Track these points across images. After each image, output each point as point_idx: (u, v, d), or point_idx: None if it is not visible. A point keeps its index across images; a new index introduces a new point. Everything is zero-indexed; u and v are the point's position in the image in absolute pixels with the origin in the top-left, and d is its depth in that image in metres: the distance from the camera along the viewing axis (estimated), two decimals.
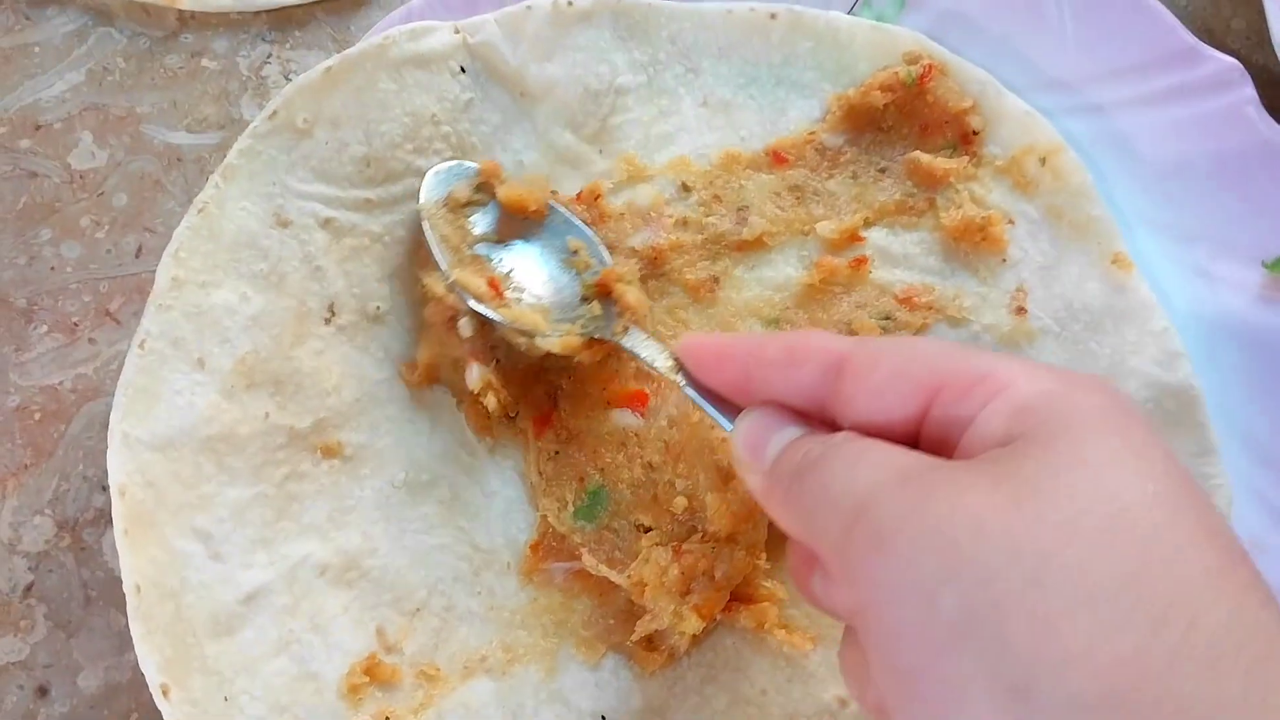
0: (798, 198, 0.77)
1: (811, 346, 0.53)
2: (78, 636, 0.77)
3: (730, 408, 0.58)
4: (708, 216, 0.77)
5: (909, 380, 0.49)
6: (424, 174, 0.74)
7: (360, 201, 0.74)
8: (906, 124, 0.78)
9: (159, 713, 0.66)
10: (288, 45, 0.86)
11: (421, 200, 0.73)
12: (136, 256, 0.82)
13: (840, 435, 0.50)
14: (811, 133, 0.78)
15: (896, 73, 0.77)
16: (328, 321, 0.73)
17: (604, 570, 0.68)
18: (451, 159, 0.74)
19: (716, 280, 0.76)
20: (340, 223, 0.74)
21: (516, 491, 0.75)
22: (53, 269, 0.82)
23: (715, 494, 0.67)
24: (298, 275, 0.73)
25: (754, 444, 0.53)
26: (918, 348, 0.51)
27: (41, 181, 0.83)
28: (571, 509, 0.71)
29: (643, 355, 0.66)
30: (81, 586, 0.77)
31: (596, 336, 0.70)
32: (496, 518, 0.75)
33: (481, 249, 0.73)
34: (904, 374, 0.49)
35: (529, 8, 0.77)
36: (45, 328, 0.81)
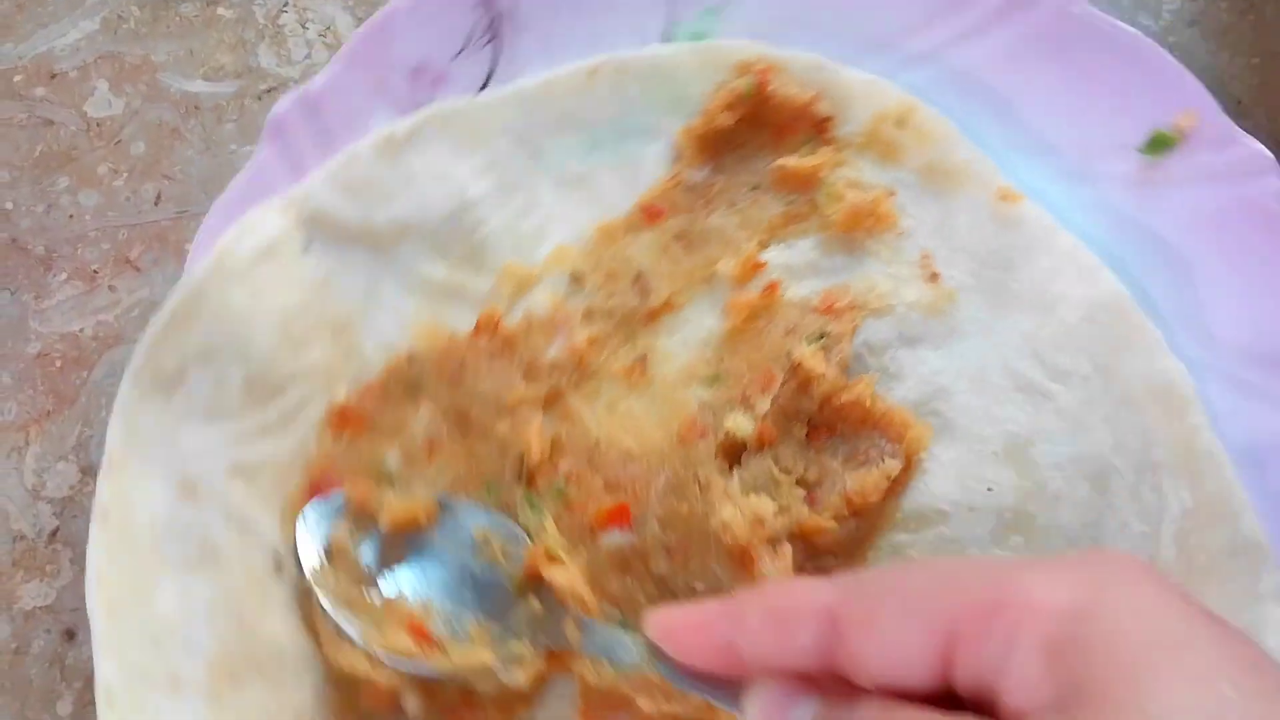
0: (686, 246, 0.75)
1: (795, 608, 0.46)
2: None
3: (727, 686, 0.50)
4: (610, 299, 0.74)
5: (915, 629, 0.42)
6: (307, 374, 0.69)
7: (259, 428, 0.69)
8: (760, 134, 0.77)
9: None
10: None
11: (305, 570, 0.66)
12: (155, 204, 0.82)
13: (864, 705, 0.44)
14: (673, 175, 0.76)
15: (734, 88, 0.75)
16: (279, 570, 0.68)
17: (667, 706, 0.66)
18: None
19: (644, 360, 0.74)
20: (248, 461, 0.68)
21: None
22: (71, 217, 0.82)
23: (741, 583, 0.65)
24: (229, 540, 0.67)
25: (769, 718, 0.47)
26: (912, 582, 0.44)
27: (58, 129, 0.83)
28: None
29: (616, 656, 0.60)
30: None
31: (553, 648, 0.64)
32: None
33: (381, 582, 0.66)
34: (908, 623, 0.43)
35: (353, 155, 0.72)
36: (65, 275, 0.81)
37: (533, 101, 0.75)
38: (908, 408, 0.71)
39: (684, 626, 0.50)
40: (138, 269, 0.82)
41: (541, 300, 0.74)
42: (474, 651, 0.63)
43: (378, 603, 0.65)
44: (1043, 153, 0.77)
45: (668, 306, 0.74)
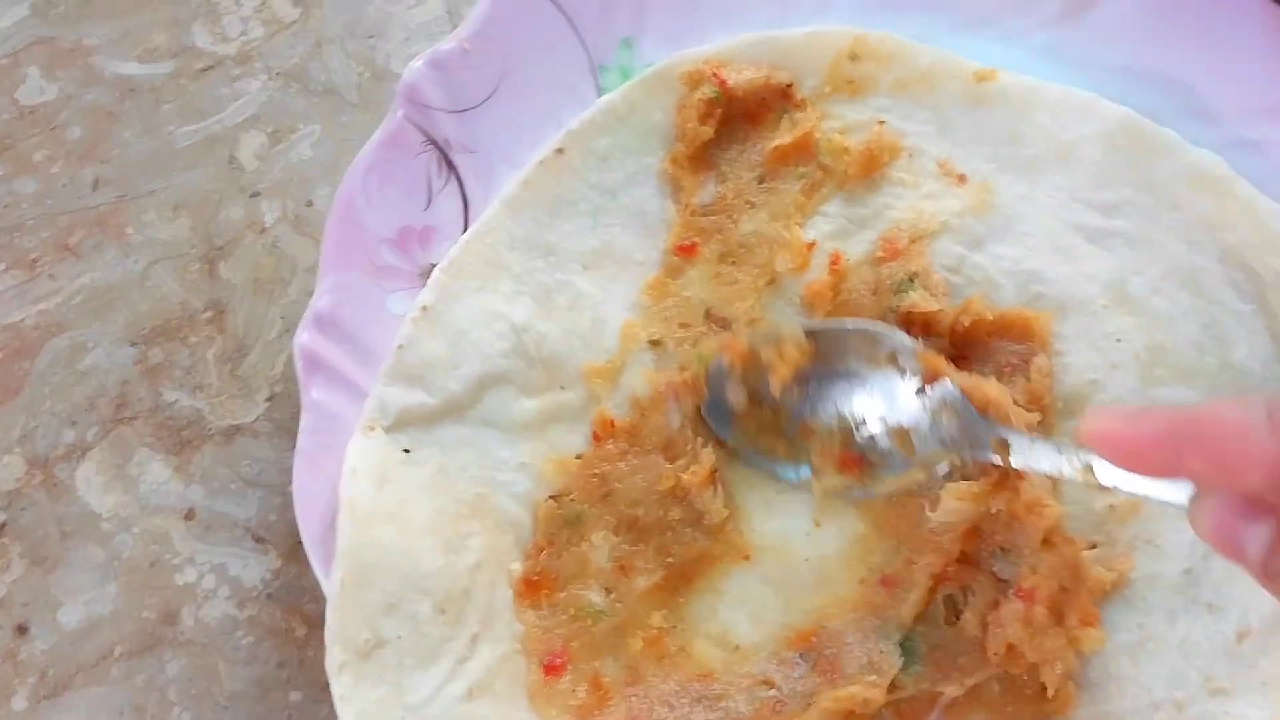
0: (735, 262, 0.74)
1: (1242, 455, 0.46)
2: (55, 573, 0.73)
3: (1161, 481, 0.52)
4: (696, 345, 0.73)
5: None
6: (479, 565, 0.68)
7: (470, 641, 0.67)
8: (737, 129, 0.76)
9: (143, 643, 0.69)
10: None
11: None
12: (94, 189, 0.79)
13: None
14: (684, 208, 0.75)
15: (700, 97, 0.74)
16: None
17: (970, 680, 0.67)
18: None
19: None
20: (478, 679, 0.66)
21: None
22: (7, 206, 0.79)
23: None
24: None
25: (1226, 537, 0.48)
26: None
27: None
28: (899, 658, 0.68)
29: (1044, 468, 0.60)
30: (56, 523, 0.74)
31: (984, 460, 0.63)
32: None
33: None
34: None
35: (399, 346, 0.70)
36: (3, 265, 0.78)
37: (519, 206, 0.73)
38: (1018, 305, 0.72)
39: (1128, 434, 0.50)
40: (78, 255, 0.78)
41: (637, 382, 0.72)
42: (907, 474, 0.66)
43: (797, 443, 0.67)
44: (982, 25, 0.77)
45: (753, 325, 0.73)
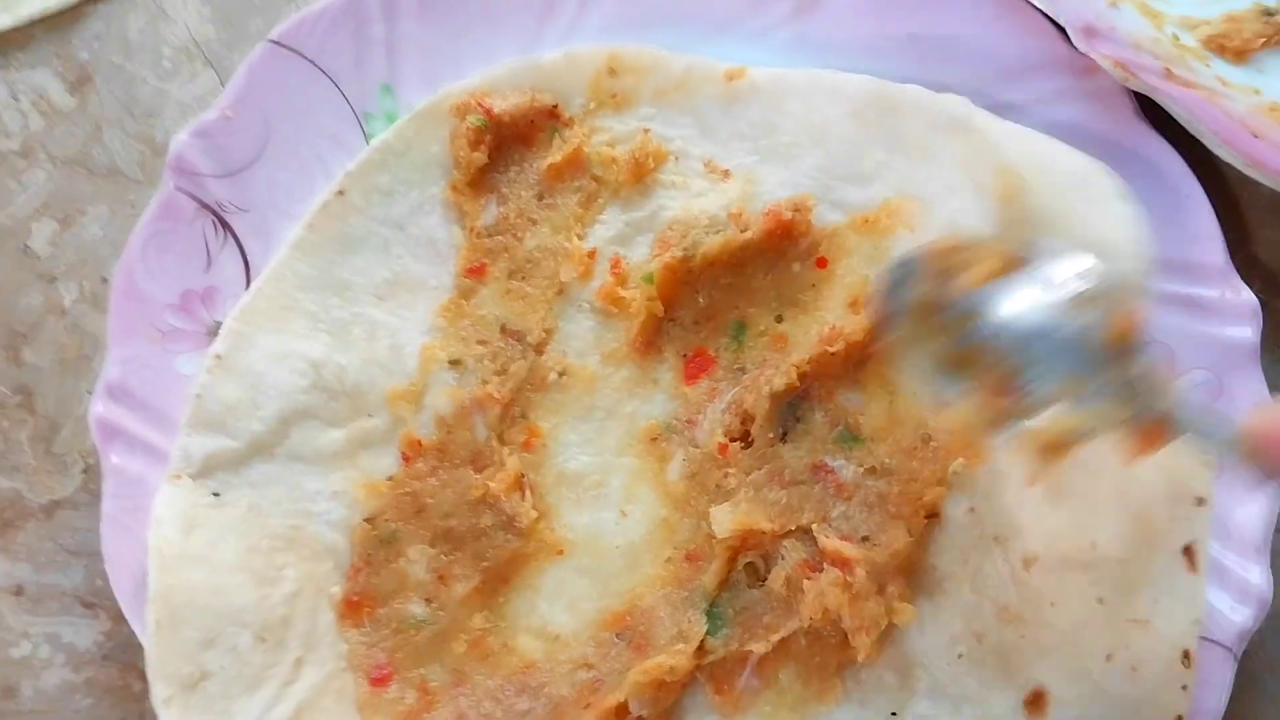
0: (523, 277, 0.78)
1: None
2: None
3: None
4: (496, 360, 0.76)
5: None
6: (296, 594, 0.70)
7: (294, 664, 0.70)
8: (510, 152, 0.80)
9: None
10: (13, 68, 0.83)
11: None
12: None
13: None
14: (469, 231, 0.78)
15: (469, 128, 0.77)
16: None
17: (777, 636, 0.71)
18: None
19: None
20: (304, 699, 0.69)
21: None
22: None
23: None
24: None
25: None
26: None
27: None
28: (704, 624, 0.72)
29: (1206, 433, 0.57)
30: None
31: (1143, 416, 0.58)
32: None
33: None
34: None
35: (196, 397, 0.73)
36: None
37: (308, 248, 0.76)
38: None
39: None
40: None
41: (440, 401, 0.75)
42: (1058, 416, 0.60)
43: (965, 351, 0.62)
44: (725, 30, 0.82)
45: (548, 335, 0.77)
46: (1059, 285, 0.61)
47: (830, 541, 0.71)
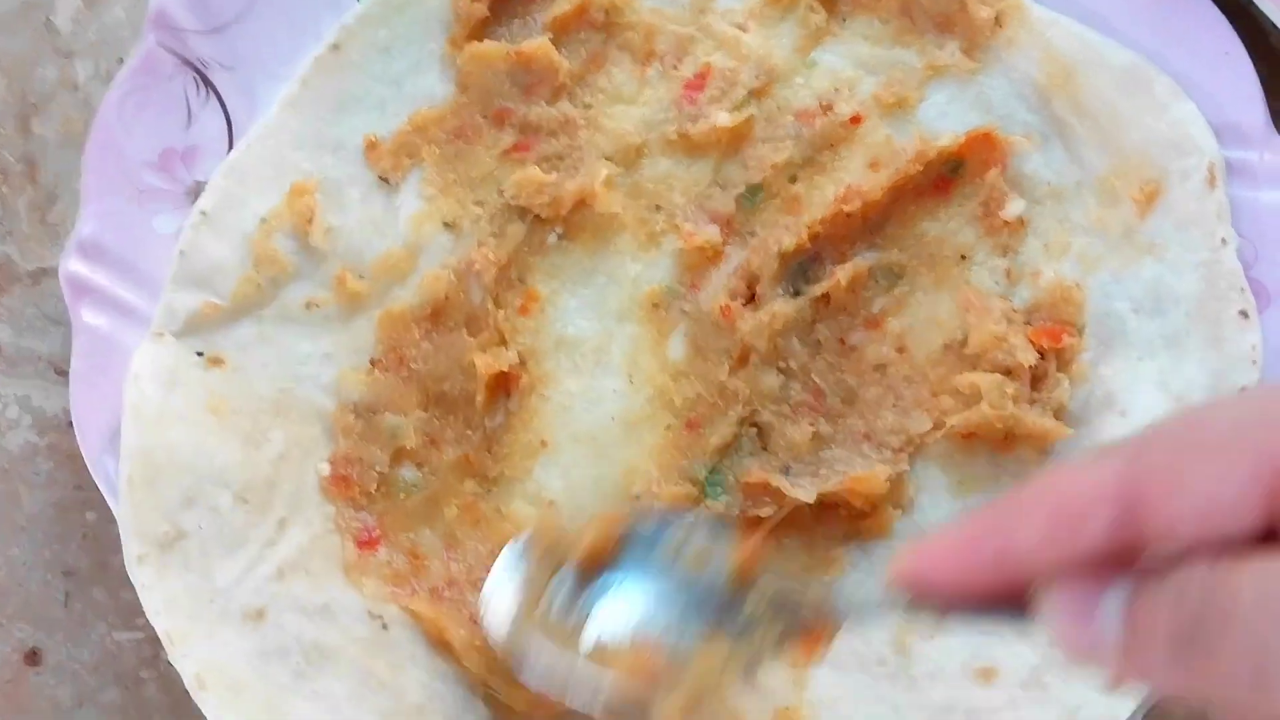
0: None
1: (1080, 498, 0.40)
2: None
3: (998, 607, 0.44)
4: (493, 223, 0.73)
5: (1235, 469, 0.38)
6: (284, 456, 0.68)
7: (277, 526, 0.68)
8: (516, 4, 0.76)
9: None
10: None
11: (501, 635, 0.62)
12: None
13: (1186, 567, 0.39)
14: (466, 85, 0.74)
15: None
16: (386, 628, 0.68)
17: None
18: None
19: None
20: (288, 558, 0.67)
21: None
22: None
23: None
24: (323, 630, 0.66)
25: (1077, 624, 0.41)
26: (1218, 423, 0.40)
27: None
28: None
29: (865, 617, 0.53)
30: None
31: (797, 629, 0.56)
32: None
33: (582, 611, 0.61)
34: (1224, 466, 0.38)
35: (184, 250, 0.70)
36: None
37: (301, 105, 0.73)
38: None
39: (942, 553, 0.44)
40: None
41: (435, 264, 0.73)
42: (711, 673, 0.56)
43: (588, 645, 0.60)
44: None
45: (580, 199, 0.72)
46: (656, 553, 0.61)
47: None
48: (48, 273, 0.78)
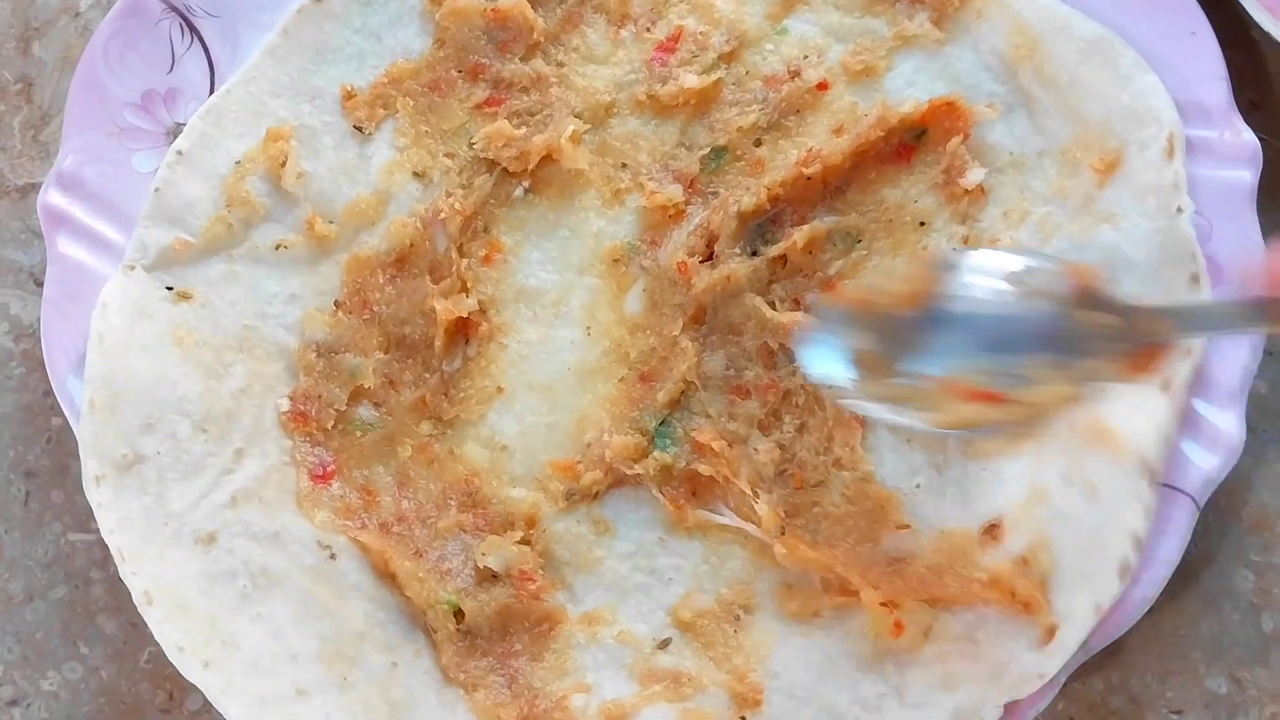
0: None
1: None
2: None
3: None
4: (460, 175, 0.75)
5: None
6: (244, 390, 0.71)
7: (234, 455, 0.70)
8: None
9: None
10: None
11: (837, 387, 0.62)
12: None
13: None
14: (440, 40, 0.76)
15: None
16: (334, 557, 0.69)
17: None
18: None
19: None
20: (243, 487, 0.69)
21: None
22: None
23: None
24: (271, 556, 0.68)
25: None
26: None
27: None
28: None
29: (1212, 325, 0.58)
30: None
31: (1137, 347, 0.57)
32: None
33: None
34: None
35: (158, 188, 0.72)
36: None
37: (282, 54, 0.75)
38: None
39: None
40: None
41: (403, 211, 0.74)
42: (1050, 389, 0.58)
43: (922, 387, 0.60)
44: None
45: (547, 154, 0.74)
46: (979, 286, 0.60)
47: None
48: (35, 188, 0.80)
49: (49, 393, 0.72)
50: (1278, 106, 0.73)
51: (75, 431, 0.68)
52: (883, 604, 0.65)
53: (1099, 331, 0.57)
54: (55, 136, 0.80)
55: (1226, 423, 0.65)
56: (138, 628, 0.69)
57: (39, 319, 0.72)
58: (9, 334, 0.80)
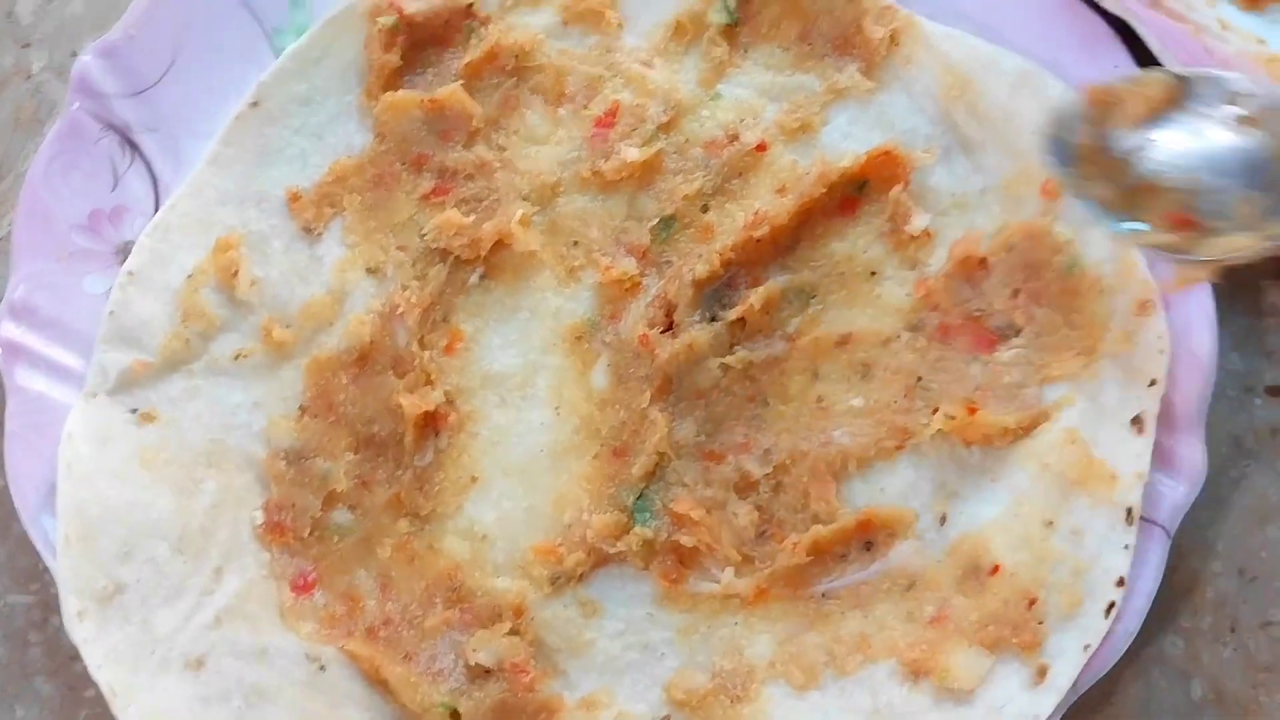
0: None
1: None
2: None
3: None
4: (415, 266, 0.75)
5: None
6: (217, 505, 0.70)
7: (213, 574, 0.70)
8: (429, 54, 0.78)
9: None
10: None
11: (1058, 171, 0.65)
12: None
13: None
14: (379, 135, 0.76)
15: (380, 28, 0.76)
16: (323, 669, 0.69)
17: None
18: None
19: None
20: (225, 605, 0.69)
21: None
22: None
23: None
24: (261, 673, 0.68)
25: None
26: None
27: None
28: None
29: None
30: None
31: None
32: None
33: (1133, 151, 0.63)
34: None
35: (114, 309, 0.72)
36: None
37: (224, 162, 0.75)
38: None
39: None
40: None
41: (359, 310, 0.75)
42: (1236, 239, 0.60)
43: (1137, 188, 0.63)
44: None
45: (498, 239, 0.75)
46: (1217, 110, 0.62)
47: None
48: None
49: None
50: None
51: (51, 568, 0.67)
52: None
53: None
54: (5, 197, 0.81)
55: (1189, 449, 0.67)
56: (74, 690, 0.70)
57: None
58: None
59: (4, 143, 0.83)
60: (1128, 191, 0.63)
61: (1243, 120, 0.62)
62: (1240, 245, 0.60)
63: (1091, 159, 0.64)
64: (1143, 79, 0.65)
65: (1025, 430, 0.68)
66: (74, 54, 0.83)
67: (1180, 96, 0.63)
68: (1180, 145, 0.62)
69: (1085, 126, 0.65)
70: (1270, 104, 0.61)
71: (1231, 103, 0.62)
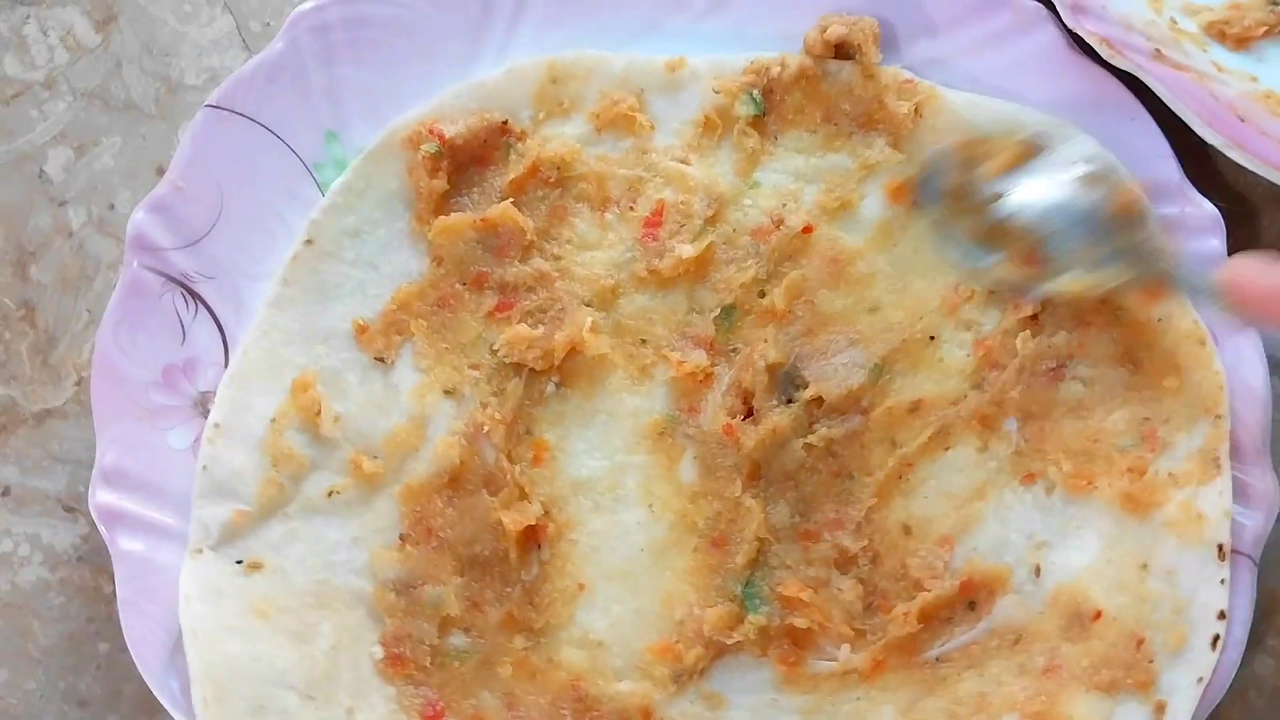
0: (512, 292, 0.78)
1: None
2: None
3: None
4: (491, 382, 0.77)
5: None
6: (334, 648, 0.71)
7: (345, 715, 0.70)
8: (472, 174, 0.79)
9: None
10: (44, 5, 0.87)
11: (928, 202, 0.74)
12: None
13: None
14: (438, 258, 0.78)
15: (423, 156, 0.77)
16: None
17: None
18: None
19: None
20: None
21: None
22: None
23: None
24: None
25: None
26: None
27: None
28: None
29: (1198, 291, 0.67)
30: None
31: (1146, 276, 0.69)
32: None
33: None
34: None
35: (205, 465, 0.73)
36: None
37: (285, 303, 0.76)
38: None
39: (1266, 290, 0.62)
40: None
41: (443, 433, 0.76)
42: (1077, 280, 0.70)
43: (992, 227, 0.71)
44: (651, 31, 0.81)
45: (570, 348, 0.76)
46: (1069, 168, 0.71)
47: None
48: (51, 414, 0.82)
49: (93, 618, 0.74)
50: (1212, 176, 0.79)
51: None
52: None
53: (1122, 247, 0.69)
54: (64, 360, 0.82)
55: (1261, 480, 0.71)
56: None
57: (72, 545, 0.76)
58: (44, 564, 0.80)
59: (55, 306, 0.83)
60: (986, 230, 0.72)
61: (1091, 178, 0.71)
62: (1080, 285, 0.70)
63: (958, 197, 0.73)
64: (1010, 134, 0.73)
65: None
66: (111, 206, 0.84)
67: (1040, 152, 0.72)
68: (1035, 194, 0.71)
69: (955, 170, 0.73)
70: (1107, 168, 0.71)
71: (1085, 161, 0.71)
